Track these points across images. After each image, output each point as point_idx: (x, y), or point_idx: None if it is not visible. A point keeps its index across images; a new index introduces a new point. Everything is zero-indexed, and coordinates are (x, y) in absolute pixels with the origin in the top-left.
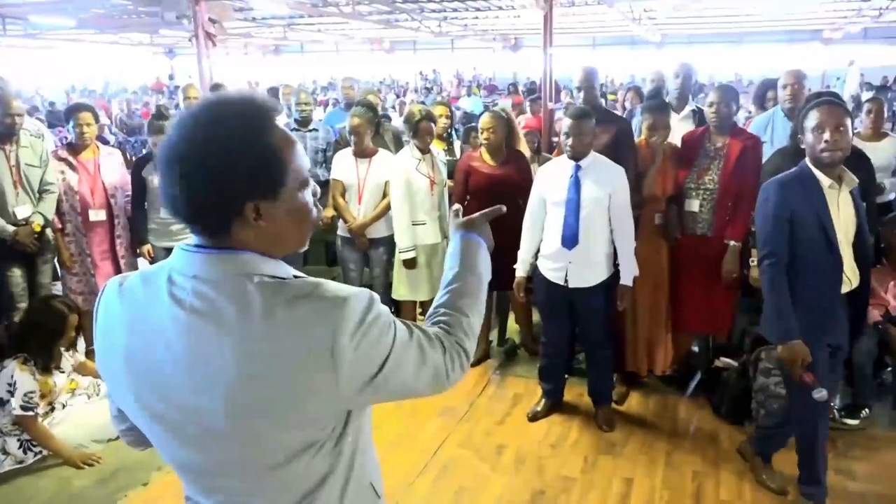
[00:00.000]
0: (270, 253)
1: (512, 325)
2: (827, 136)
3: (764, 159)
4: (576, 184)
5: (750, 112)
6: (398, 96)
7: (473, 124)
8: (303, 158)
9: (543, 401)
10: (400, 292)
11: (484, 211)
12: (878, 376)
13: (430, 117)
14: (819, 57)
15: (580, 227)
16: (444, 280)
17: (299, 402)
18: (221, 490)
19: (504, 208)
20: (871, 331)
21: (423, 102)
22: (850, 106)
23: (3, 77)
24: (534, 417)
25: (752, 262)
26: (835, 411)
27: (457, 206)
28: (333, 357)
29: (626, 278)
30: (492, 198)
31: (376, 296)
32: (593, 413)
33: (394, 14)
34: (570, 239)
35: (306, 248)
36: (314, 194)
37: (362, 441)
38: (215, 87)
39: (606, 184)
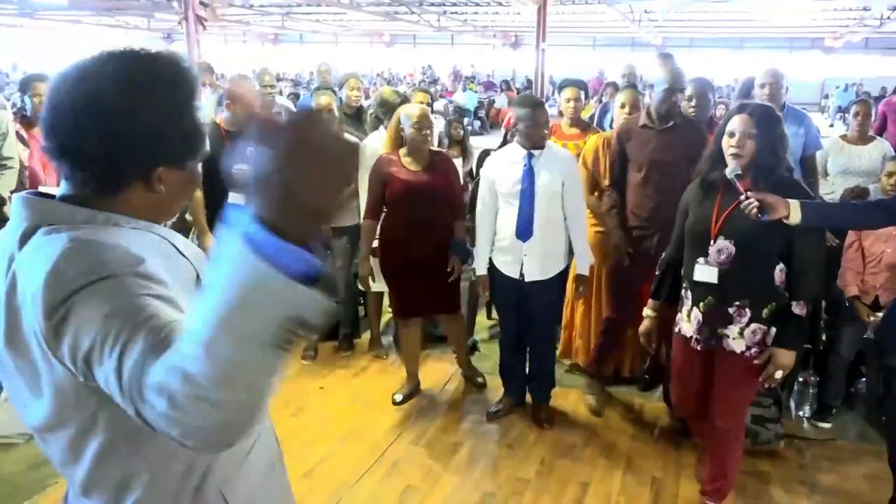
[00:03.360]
0: (146, 219)
1: (481, 321)
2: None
3: None
4: (529, 173)
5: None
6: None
7: (453, 117)
8: None
9: (504, 399)
10: (367, 284)
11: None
12: (852, 385)
13: (406, 101)
14: (820, 65)
15: (535, 218)
16: (191, 322)
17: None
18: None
19: None
20: (857, 328)
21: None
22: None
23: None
24: (492, 416)
25: None
26: (804, 418)
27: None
28: None
29: (582, 267)
30: (414, 209)
31: None
32: (555, 414)
33: (393, 6)
34: (525, 230)
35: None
36: None
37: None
38: (203, 66)
39: (559, 172)
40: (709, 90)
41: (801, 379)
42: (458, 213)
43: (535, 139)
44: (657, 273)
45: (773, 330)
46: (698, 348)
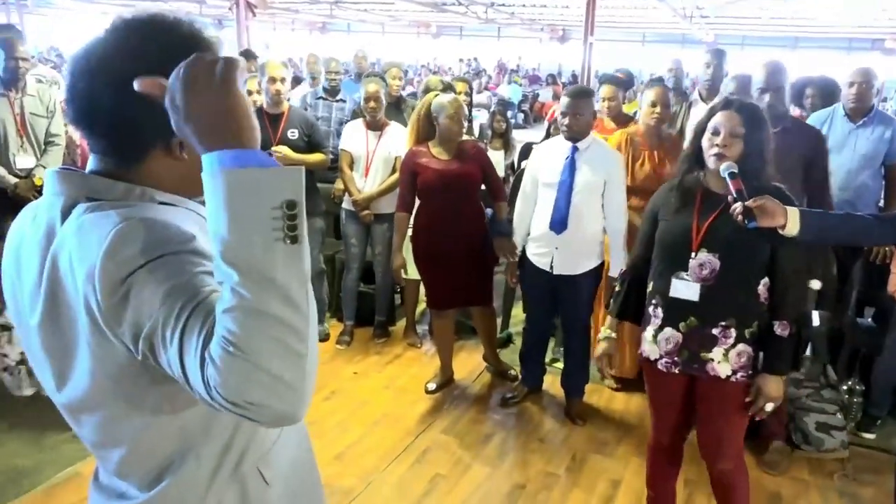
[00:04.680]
0: (179, 193)
1: (517, 314)
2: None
3: None
4: (571, 166)
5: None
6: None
7: (496, 108)
8: None
9: (519, 386)
10: (399, 275)
11: None
12: None
13: (451, 90)
14: (879, 67)
15: (570, 212)
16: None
17: None
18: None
19: None
20: None
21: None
22: None
23: (15, 26)
24: (507, 402)
25: None
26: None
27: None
28: None
29: (614, 269)
30: (446, 198)
31: None
32: (590, 410)
33: None
34: (559, 223)
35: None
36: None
37: None
38: (245, 53)
39: (602, 169)
40: (750, 87)
41: (845, 388)
42: (498, 195)
43: (572, 130)
44: (617, 289)
45: (752, 350)
46: (675, 371)
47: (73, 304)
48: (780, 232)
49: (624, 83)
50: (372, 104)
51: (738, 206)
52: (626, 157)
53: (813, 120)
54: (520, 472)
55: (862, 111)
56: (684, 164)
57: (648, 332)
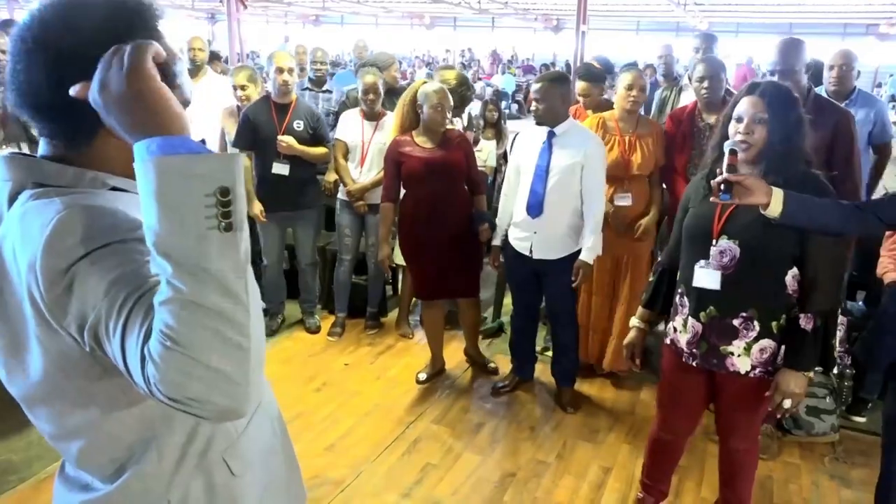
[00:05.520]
0: (131, 176)
1: (509, 304)
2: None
3: None
4: (547, 150)
5: None
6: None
7: (489, 98)
8: None
9: (510, 375)
10: (386, 266)
11: None
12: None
13: (467, 84)
14: (874, 52)
15: (546, 196)
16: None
17: None
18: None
19: None
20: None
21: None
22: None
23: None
24: (497, 391)
25: None
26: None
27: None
28: None
29: (586, 253)
30: (431, 186)
31: None
32: (581, 398)
33: None
34: (535, 207)
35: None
36: None
37: None
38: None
39: (578, 152)
40: (721, 70)
41: (835, 371)
42: (477, 188)
43: (538, 114)
44: (651, 279)
45: (775, 346)
46: (694, 364)
47: (18, 295)
48: (762, 212)
49: (601, 75)
50: (371, 96)
51: (718, 178)
52: None
53: None
54: (511, 460)
55: (843, 93)
56: (714, 152)
57: (678, 322)
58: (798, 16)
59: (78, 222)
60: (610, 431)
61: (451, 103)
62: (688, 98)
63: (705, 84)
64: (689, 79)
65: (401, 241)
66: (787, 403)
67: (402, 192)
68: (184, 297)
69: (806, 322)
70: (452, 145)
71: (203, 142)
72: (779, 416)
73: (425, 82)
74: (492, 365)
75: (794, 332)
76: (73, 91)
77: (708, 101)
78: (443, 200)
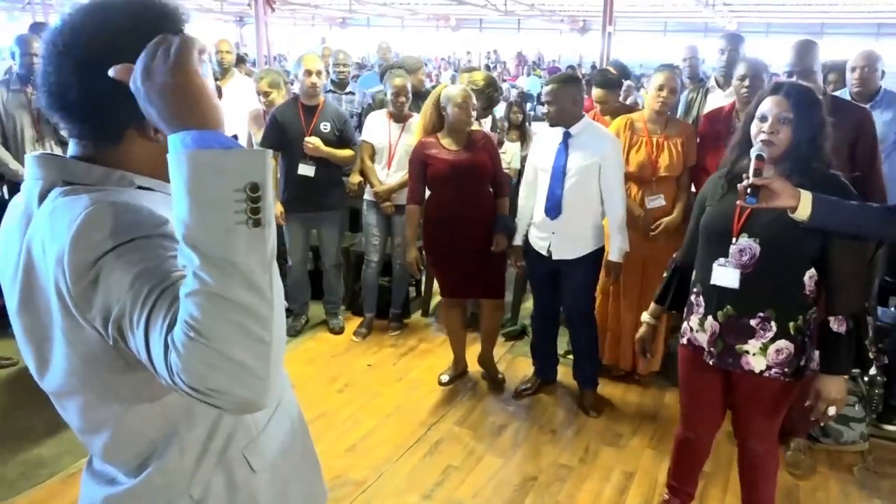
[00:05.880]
0: (157, 176)
1: (529, 308)
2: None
3: None
4: (564, 151)
5: None
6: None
7: (514, 100)
8: None
9: (533, 378)
10: (415, 269)
11: None
12: None
13: (494, 86)
14: None
15: (564, 197)
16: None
17: None
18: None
19: None
20: None
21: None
22: None
23: (48, 24)
24: (519, 394)
25: None
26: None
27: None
28: None
29: (614, 253)
30: (456, 188)
31: None
32: (604, 402)
33: None
34: (553, 208)
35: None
36: None
37: None
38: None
39: (596, 152)
40: (763, 70)
41: (866, 378)
42: (501, 190)
43: (549, 116)
44: (665, 275)
45: (793, 348)
46: (710, 363)
47: (45, 288)
48: (790, 215)
49: (617, 81)
50: (402, 98)
51: (745, 182)
52: (624, 142)
53: None
54: (532, 463)
55: (867, 94)
56: (734, 151)
57: (694, 321)
58: (830, 16)
59: (105, 218)
60: (633, 436)
61: (475, 104)
62: (714, 99)
63: (746, 83)
64: (717, 81)
65: (425, 242)
66: (832, 411)
67: (427, 193)
68: (210, 290)
69: (838, 325)
70: (478, 147)
71: (235, 137)
72: (822, 423)
73: (446, 85)
74: (500, 377)
75: (826, 336)
76: (112, 71)
77: (748, 100)
78: (467, 202)
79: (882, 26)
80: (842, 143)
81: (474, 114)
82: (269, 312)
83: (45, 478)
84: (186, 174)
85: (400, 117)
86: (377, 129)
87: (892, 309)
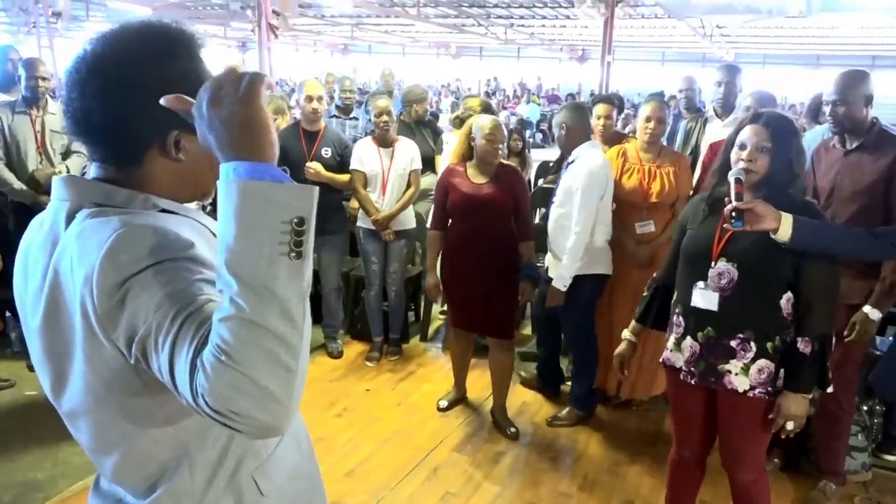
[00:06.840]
0: (177, 196)
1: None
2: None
3: None
4: (562, 176)
5: (804, 128)
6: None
7: (513, 127)
8: None
9: (572, 411)
10: (435, 295)
11: None
12: None
13: (490, 110)
14: None
15: (550, 218)
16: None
17: None
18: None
19: None
20: None
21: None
22: None
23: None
24: (552, 423)
25: None
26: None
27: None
28: None
29: (556, 280)
30: (470, 222)
31: None
32: (603, 428)
33: (460, 18)
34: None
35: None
36: None
37: None
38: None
39: (577, 177)
40: (771, 103)
41: (864, 408)
42: (524, 233)
43: (560, 142)
44: (645, 294)
45: (773, 367)
46: (692, 383)
47: (70, 307)
48: (772, 237)
49: (620, 101)
50: (384, 118)
51: (729, 206)
52: (617, 169)
53: (807, 137)
54: (531, 491)
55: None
56: (714, 176)
57: (671, 341)
58: (825, 48)
59: (134, 240)
60: (632, 464)
61: (505, 136)
62: (713, 129)
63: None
64: (715, 111)
65: (441, 267)
66: (791, 426)
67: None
68: (245, 316)
69: (804, 346)
70: (502, 184)
71: (286, 170)
72: (783, 436)
73: (478, 115)
74: (512, 430)
75: (793, 355)
76: (164, 101)
77: None
78: (480, 237)
79: (877, 58)
80: (879, 177)
81: (503, 147)
82: (299, 342)
83: (41, 501)
84: (236, 202)
85: (385, 141)
86: (367, 156)
87: (891, 338)
